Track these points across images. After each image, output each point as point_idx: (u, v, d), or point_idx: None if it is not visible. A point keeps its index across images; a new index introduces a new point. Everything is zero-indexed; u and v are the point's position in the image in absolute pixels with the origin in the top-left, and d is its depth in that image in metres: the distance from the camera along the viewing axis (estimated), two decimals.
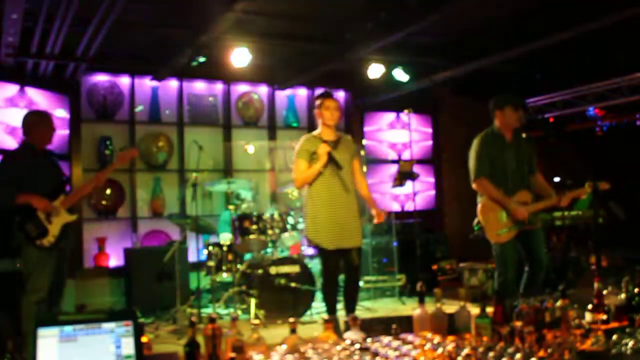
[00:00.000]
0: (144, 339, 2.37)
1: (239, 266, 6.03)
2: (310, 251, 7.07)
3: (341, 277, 4.70)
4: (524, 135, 4.73)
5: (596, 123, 8.51)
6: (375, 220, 4.72)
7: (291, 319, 2.73)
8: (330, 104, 4.58)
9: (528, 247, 4.55)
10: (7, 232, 4.28)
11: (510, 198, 4.49)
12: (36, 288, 4.13)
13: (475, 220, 4.60)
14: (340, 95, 8.56)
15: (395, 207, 8.71)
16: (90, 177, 4.87)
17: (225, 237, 6.34)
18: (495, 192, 4.49)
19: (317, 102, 4.63)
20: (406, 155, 8.70)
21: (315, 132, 4.66)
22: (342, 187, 4.52)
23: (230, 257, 6.11)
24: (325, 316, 3.01)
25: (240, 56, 6.35)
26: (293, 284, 5.62)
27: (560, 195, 4.53)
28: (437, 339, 2.79)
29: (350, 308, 4.57)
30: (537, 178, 4.74)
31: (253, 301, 5.54)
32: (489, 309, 2.94)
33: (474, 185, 4.60)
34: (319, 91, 8.24)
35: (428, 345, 2.62)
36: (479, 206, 4.57)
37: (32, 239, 4.13)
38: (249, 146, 7.24)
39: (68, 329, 2.02)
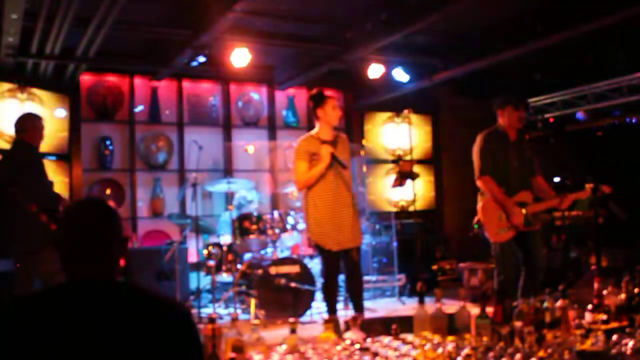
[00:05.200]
0: None
1: (239, 266, 6.03)
2: (310, 251, 7.06)
3: (341, 277, 4.69)
4: (526, 137, 4.73)
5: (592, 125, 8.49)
6: None
7: (291, 319, 2.73)
8: (336, 103, 4.57)
9: (526, 247, 4.54)
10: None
11: (511, 198, 4.49)
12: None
13: (475, 219, 4.60)
14: (340, 95, 8.55)
15: (395, 207, 8.71)
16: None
17: (226, 238, 6.33)
18: (497, 192, 4.49)
19: (322, 101, 4.54)
20: (406, 156, 8.70)
21: (312, 132, 4.62)
22: (343, 187, 4.51)
23: (230, 257, 6.10)
24: (325, 316, 3.01)
25: (240, 56, 6.34)
26: (293, 284, 5.61)
27: (561, 197, 4.52)
28: (437, 339, 2.79)
29: (357, 305, 4.55)
30: (538, 180, 4.74)
31: (253, 301, 5.53)
32: (489, 309, 2.94)
33: (478, 183, 4.60)
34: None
35: (428, 345, 2.63)
36: (480, 204, 4.57)
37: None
38: (249, 146, 7.24)
39: None
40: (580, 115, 7.95)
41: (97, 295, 1.59)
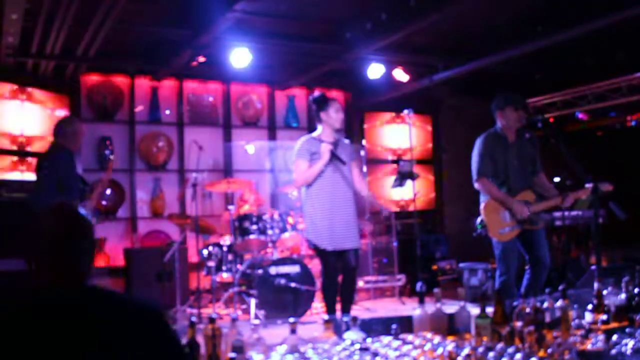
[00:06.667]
0: None
1: (239, 266, 6.03)
2: (310, 251, 7.07)
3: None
4: (527, 135, 4.72)
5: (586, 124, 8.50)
6: (382, 209, 4.78)
7: (291, 319, 2.73)
8: (339, 106, 4.61)
9: (530, 247, 4.54)
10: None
11: (512, 197, 4.49)
12: None
13: (478, 219, 4.60)
14: (340, 95, 8.54)
15: (395, 207, 8.71)
16: (95, 182, 5.06)
17: (226, 238, 6.33)
18: (496, 192, 4.49)
19: (325, 103, 4.57)
20: (406, 156, 8.70)
21: (314, 134, 4.65)
22: (342, 187, 4.51)
23: (230, 257, 6.10)
24: (325, 316, 3.01)
25: (240, 56, 6.34)
26: (293, 284, 5.61)
27: (563, 195, 4.53)
28: (437, 339, 2.79)
29: (346, 309, 4.57)
30: (541, 178, 4.74)
31: (253, 301, 5.53)
32: (489, 309, 2.94)
33: (476, 185, 4.59)
34: (319, 92, 8.27)
35: (428, 345, 2.63)
36: (482, 205, 4.57)
37: None
38: (249, 146, 7.24)
39: None
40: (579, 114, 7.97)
41: (66, 299, 1.60)
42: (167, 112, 7.63)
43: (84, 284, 1.67)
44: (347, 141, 4.80)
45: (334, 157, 4.45)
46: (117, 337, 1.55)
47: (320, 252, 4.52)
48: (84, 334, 1.52)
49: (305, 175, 4.49)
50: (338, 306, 4.62)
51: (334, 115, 4.55)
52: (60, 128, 4.57)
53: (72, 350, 1.50)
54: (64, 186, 4.31)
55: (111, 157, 5.00)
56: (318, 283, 5.76)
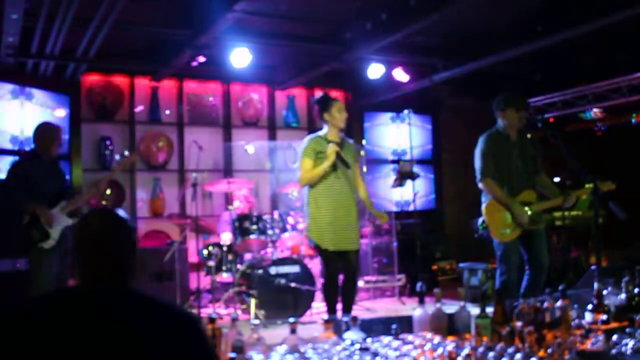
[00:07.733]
0: None
1: (239, 266, 6.03)
2: (310, 251, 7.07)
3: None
4: (529, 135, 4.72)
5: (595, 124, 8.51)
6: (381, 222, 4.79)
7: (291, 319, 2.73)
8: (342, 106, 4.61)
9: (530, 247, 4.54)
10: (14, 233, 4.51)
11: (514, 198, 4.49)
12: (43, 287, 4.32)
13: (480, 220, 4.60)
14: (341, 95, 8.54)
15: (395, 207, 8.71)
16: (90, 184, 5.05)
17: (225, 237, 6.33)
18: (499, 193, 4.49)
19: (327, 104, 4.60)
20: (406, 155, 8.70)
21: (320, 133, 4.66)
22: (345, 188, 4.53)
23: (230, 257, 6.10)
24: (325, 316, 3.01)
25: (240, 56, 6.35)
26: (293, 284, 5.61)
27: (564, 195, 4.53)
28: (437, 339, 2.79)
29: (347, 309, 4.58)
30: (542, 178, 4.74)
31: (253, 301, 5.53)
32: (489, 309, 2.94)
33: (480, 185, 4.59)
34: (319, 92, 8.29)
35: (428, 345, 2.63)
36: (484, 205, 4.56)
37: (36, 242, 4.40)
38: (249, 146, 7.25)
39: None
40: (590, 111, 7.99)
41: (103, 299, 1.62)
42: (167, 112, 7.63)
43: (124, 286, 1.70)
44: (351, 141, 4.82)
45: (339, 159, 4.46)
46: (152, 341, 1.56)
47: (322, 252, 4.53)
48: (118, 336, 1.53)
49: (310, 175, 4.51)
50: (339, 306, 4.62)
51: (337, 115, 4.57)
52: (33, 134, 4.65)
53: (105, 351, 1.51)
54: (30, 187, 4.41)
55: (128, 154, 5.05)
56: (318, 283, 5.77)
